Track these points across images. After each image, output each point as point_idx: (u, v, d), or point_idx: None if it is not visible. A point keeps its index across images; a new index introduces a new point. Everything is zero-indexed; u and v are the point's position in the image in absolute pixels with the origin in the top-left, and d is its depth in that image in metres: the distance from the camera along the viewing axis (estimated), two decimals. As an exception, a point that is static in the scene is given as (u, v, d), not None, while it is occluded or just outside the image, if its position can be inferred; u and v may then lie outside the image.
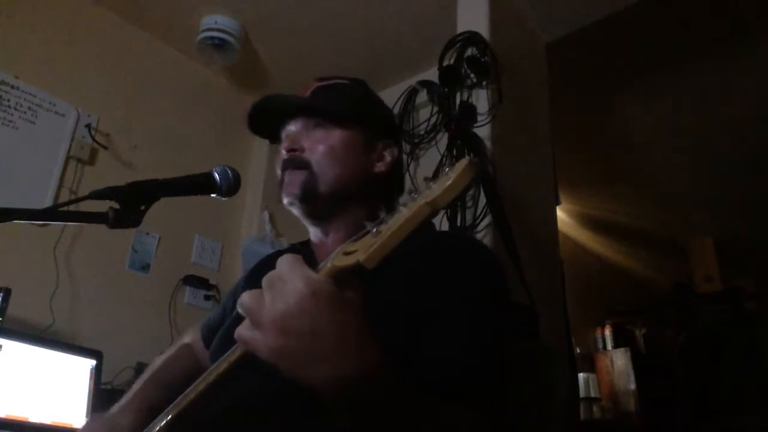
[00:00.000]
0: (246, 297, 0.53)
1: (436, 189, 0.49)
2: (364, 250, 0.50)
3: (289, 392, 0.69)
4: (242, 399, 0.76)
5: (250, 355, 0.56)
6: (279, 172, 0.96)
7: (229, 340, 0.64)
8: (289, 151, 0.94)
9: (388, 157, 0.99)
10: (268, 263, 1.00)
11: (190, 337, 1.15)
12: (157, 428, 0.68)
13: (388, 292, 0.73)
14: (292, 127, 0.97)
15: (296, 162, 0.93)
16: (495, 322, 0.79)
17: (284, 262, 0.53)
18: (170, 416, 0.68)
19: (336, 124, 0.94)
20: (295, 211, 0.95)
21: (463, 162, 0.49)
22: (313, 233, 0.99)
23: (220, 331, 0.98)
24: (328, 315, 0.51)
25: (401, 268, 0.76)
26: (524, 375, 0.95)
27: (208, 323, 1.12)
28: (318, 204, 0.93)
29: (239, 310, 0.54)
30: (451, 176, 0.48)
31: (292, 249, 1.04)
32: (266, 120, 1.01)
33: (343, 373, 0.51)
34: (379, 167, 0.98)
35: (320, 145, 0.92)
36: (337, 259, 0.53)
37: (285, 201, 0.94)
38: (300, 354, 0.51)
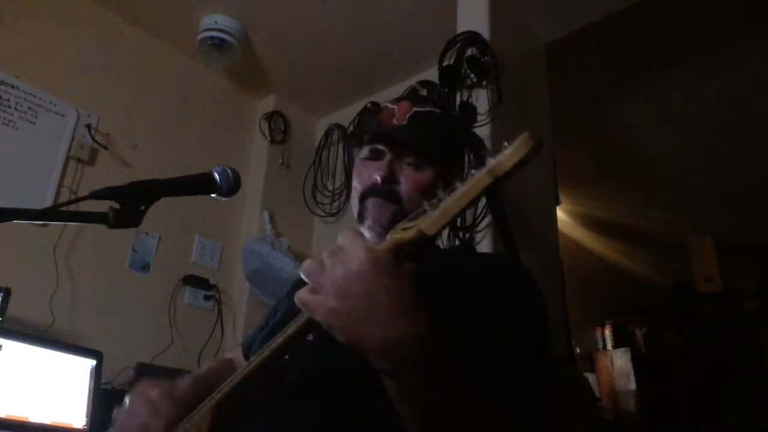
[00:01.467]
0: (308, 263, 0.58)
1: (495, 160, 0.53)
2: (424, 221, 0.54)
3: (332, 377, 0.74)
4: (287, 387, 0.78)
5: (305, 330, 0.61)
6: (360, 187, 0.98)
7: (272, 337, 0.68)
8: (384, 181, 0.96)
9: None
10: None
11: (232, 353, 1.17)
12: (209, 404, 0.71)
13: (438, 302, 0.74)
14: (386, 152, 0.98)
15: (390, 194, 0.96)
16: (537, 348, 0.80)
17: (345, 236, 0.58)
18: (222, 392, 0.71)
19: (428, 161, 0.98)
20: (369, 232, 0.97)
21: (524, 134, 0.53)
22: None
23: (263, 332, 1.01)
24: (384, 282, 0.55)
25: (454, 282, 0.81)
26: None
27: (248, 338, 1.13)
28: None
29: (302, 275, 0.58)
30: (510, 147, 0.53)
31: None
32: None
33: (394, 335, 0.54)
34: None
35: (414, 184, 0.96)
36: (396, 234, 0.57)
37: (366, 224, 0.97)
38: (356, 315, 0.55)
